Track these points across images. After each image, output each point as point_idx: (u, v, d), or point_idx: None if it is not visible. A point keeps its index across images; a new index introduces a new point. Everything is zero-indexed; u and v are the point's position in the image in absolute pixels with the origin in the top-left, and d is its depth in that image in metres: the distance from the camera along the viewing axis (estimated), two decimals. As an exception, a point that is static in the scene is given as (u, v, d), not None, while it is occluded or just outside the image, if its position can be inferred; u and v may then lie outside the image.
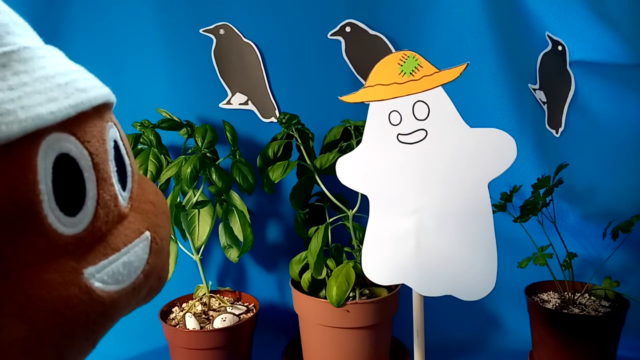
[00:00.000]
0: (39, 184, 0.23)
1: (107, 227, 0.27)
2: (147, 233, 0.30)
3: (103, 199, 0.27)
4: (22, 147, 0.23)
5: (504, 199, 0.91)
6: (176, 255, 0.95)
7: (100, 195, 0.27)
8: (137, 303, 0.31)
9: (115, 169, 0.29)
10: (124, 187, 0.30)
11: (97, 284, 0.25)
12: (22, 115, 0.22)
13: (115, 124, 0.30)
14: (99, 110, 0.28)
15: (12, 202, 0.22)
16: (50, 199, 0.24)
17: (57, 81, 0.25)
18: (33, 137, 0.23)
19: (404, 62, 0.64)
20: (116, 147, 0.30)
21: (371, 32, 1.06)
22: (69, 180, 0.25)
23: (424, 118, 0.64)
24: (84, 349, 0.26)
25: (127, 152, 0.31)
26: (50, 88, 0.24)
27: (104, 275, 0.26)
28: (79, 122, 0.26)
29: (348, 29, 1.06)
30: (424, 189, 0.65)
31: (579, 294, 0.93)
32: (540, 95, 1.12)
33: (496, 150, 0.62)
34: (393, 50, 1.07)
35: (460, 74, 0.63)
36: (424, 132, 0.64)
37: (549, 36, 1.09)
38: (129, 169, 0.31)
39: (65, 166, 0.25)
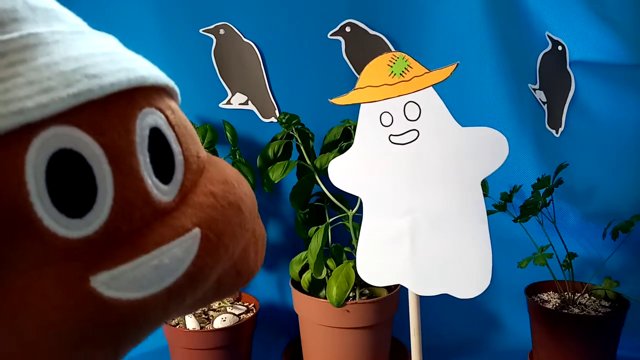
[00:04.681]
0: (26, 185, 0.21)
1: (133, 227, 0.24)
2: (196, 230, 0.26)
3: (124, 195, 0.24)
4: (6, 145, 0.21)
5: (504, 199, 0.91)
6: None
7: (119, 191, 0.24)
8: (195, 304, 0.28)
9: (147, 160, 0.25)
10: (168, 180, 0.27)
11: (109, 292, 0.23)
12: (3, 111, 0.20)
13: (160, 109, 0.27)
14: (127, 97, 0.25)
15: None
16: (44, 200, 0.21)
17: (61, 68, 0.23)
18: (20, 134, 0.21)
19: (394, 63, 0.64)
20: (159, 136, 0.27)
21: (371, 32, 1.06)
22: (74, 178, 0.23)
23: (415, 118, 0.64)
24: (106, 359, 0.24)
25: (178, 140, 0.28)
26: (48, 77, 0.22)
27: (123, 280, 0.23)
28: (89, 112, 0.23)
29: (348, 29, 1.05)
30: (417, 190, 0.66)
31: (579, 294, 0.93)
32: (540, 95, 1.12)
33: (488, 148, 0.62)
34: (393, 50, 1.07)
35: (451, 74, 0.62)
36: (416, 132, 0.65)
37: (549, 36, 1.09)
38: (178, 158, 0.28)
39: (71, 162, 0.23)
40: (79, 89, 0.23)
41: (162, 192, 0.26)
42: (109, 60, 0.25)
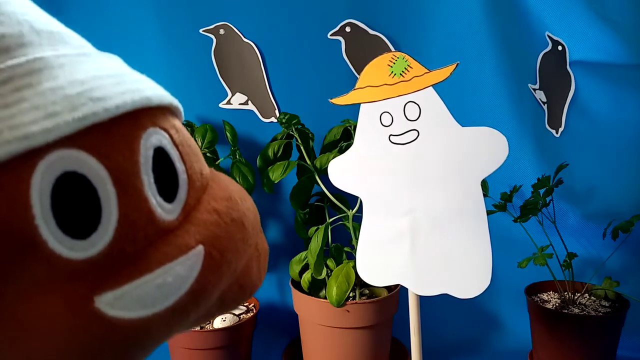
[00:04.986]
0: (32, 208, 0.21)
1: (136, 247, 0.25)
2: (200, 248, 0.26)
3: (127, 216, 0.24)
4: (12, 169, 0.21)
5: (504, 199, 0.91)
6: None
7: (123, 212, 0.24)
8: (198, 319, 0.28)
9: (151, 180, 0.26)
10: (171, 198, 0.27)
11: (113, 312, 0.23)
12: (8, 136, 0.20)
13: (164, 129, 0.27)
14: (132, 118, 0.25)
15: (1, 231, 0.20)
16: (49, 222, 0.22)
17: (67, 92, 0.23)
18: (25, 158, 0.21)
19: (394, 63, 0.65)
20: (162, 155, 0.27)
21: (371, 32, 1.06)
22: (79, 200, 0.23)
23: (415, 118, 0.64)
24: None
25: (182, 158, 0.28)
26: (53, 101, 0.22)
27: (126, 300, 0.23)
28: (94, 134, 0.23)
29: (348, 29, 1.06)
30: (417, 189, 0.66)
31: (579, 294, 0.93)
32: (540, 95, 1.12)
33: (488, 148, 0.62)
34: (393, 50, 1.07)
35: (450, 74, 0.63)
36: (416, 132, 0.65)
37: (549, 36, 1.09)
38: (182, 176, 0.28)
39: (75, 184, 0.23)
40: (84, 112, 0.23)
41: (165, 211, 0.26)
42: (115, 82, 0.25)
